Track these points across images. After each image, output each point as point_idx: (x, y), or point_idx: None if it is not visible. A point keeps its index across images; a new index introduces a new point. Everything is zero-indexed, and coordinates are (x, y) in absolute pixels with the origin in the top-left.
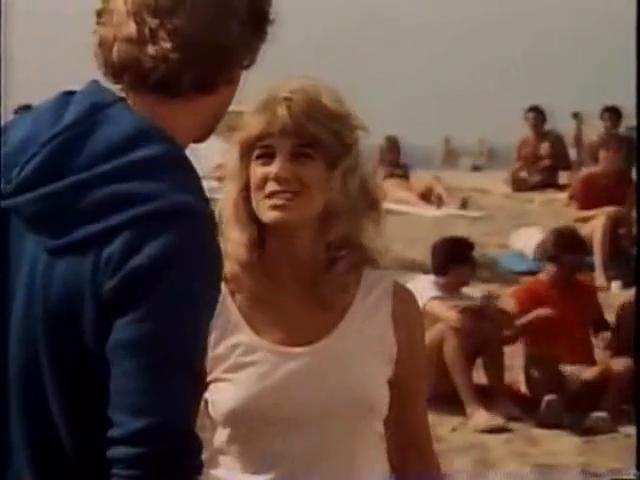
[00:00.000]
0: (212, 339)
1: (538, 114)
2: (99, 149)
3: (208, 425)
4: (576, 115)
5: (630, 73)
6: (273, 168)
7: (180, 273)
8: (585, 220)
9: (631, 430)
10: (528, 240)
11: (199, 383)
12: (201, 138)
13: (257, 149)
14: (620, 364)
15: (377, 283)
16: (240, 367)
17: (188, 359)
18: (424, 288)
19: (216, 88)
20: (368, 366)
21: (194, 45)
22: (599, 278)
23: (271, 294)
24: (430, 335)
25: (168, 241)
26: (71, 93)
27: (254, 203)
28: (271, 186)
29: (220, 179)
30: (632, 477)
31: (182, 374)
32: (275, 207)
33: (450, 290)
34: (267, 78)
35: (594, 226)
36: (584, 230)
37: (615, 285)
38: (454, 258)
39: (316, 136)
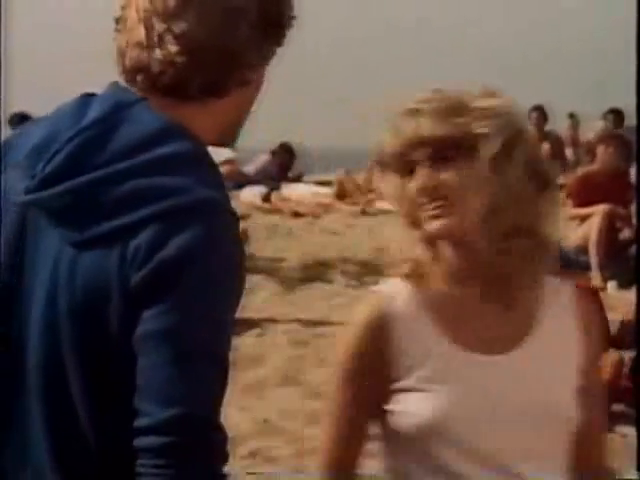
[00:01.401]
0: (401, 346)
1: (541, 114)
2: (123, 145)
3: (382, 436)
4: (572, 116)
5: (630, 73)
6: (417, 181)
7: (206, 265)
8: (579, 217)
9: (627, 430)
10: None
11: (224, 375)
12: (224, 140)
13: (396, 165)
14: (609, 361)
15: (559, 290)
16: (437, 377)
17: (214, 350)
18: None
19: (228, 91)
20: (560, 375)
21: (201, 49)
22: (595, 278)
23: (453, 296)
24: None
25: (194, 234)
26: (91, 95)
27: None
28: (420, 199)
29: None
30: (632, 477)
31: (208, 365)
32: (433, 217)
33: None
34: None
35: (589, 225)
36: (580, 230)
37: (611, 285)
38: None
39: (449, 137)
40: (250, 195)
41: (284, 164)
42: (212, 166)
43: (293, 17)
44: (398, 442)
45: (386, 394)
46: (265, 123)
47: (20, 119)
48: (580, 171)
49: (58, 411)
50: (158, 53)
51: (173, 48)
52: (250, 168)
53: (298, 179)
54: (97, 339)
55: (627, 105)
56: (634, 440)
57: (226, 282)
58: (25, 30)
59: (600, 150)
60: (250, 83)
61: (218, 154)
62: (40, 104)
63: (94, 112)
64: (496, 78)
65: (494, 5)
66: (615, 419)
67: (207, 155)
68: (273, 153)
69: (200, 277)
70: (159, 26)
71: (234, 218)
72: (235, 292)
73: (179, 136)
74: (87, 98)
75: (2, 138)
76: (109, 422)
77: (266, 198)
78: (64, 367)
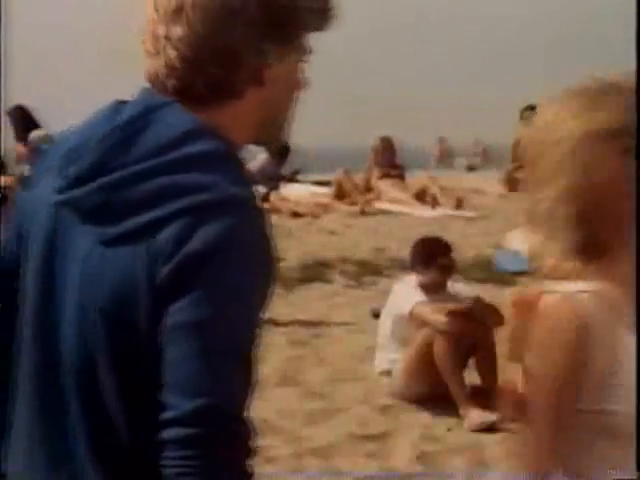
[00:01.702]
0: (601, 344)
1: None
2: (152, 144)
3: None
4: None
5: (630, 73)
6: None
7: (233, 259)
8: None
9: None
10: (524, 240)
11: (250, 368)
12: (261, 139)
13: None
14: None
15: None
16: (631, 372)
17: (239, 344)
18: (411, 291)
19: (240, 92)
20: None
21: (196, 52)
22: None
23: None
24: (419, 338)
25: (221, 228)
26: (124, 102)
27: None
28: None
29: None
30: (632, 477)
31: (233, 359)
32: None
33: (431, 290)
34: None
35: None
36: None
37: None
38: (425, 258)
39: None
40: None
41: (277, 160)
42: (238, 164)
43: (306, 17)
44: (588, 442)
45: (590, 392)
46: None
47: (19, 112)
48: None
49: (94, 409)
50: (162, 60)
51: (172, 53)
52: (250, 168)
53: (294, 177)
54: (127, 336)
55: None
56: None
57: (252, 275)
58: (25, 28)
59: None
60: (264, 82)
61: None
62: (40, 101)
63: (124, 115)
64: (492, 78)
65: (491, 5)
66: None
67: (233, 154)
68: (269, 150)
69: (226, 270)
70: (160, 33)
71: (260, 213)
72: (261, 286)
73: (206, 135)
74: (120, 104)
75: (2, 136)
76: (141, 418)
77: (265, 198)
78: (96, 362)
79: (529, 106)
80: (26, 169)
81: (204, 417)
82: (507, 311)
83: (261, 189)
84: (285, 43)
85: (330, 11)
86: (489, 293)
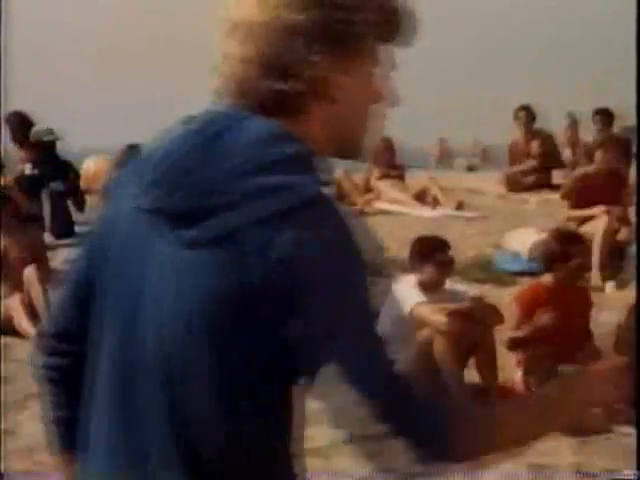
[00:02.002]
0: None
1: (528, 113)
2: (236, 149)
3: None
4: (570, 115)
5: (630, 73)
6: None
7: (333, 253)
8: (578, 219)
9: (626, 430)
10: (524, 241)
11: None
12: (340, 154)
13: None
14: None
15: None
16: None
17: (371, 324)
18: (410, 291)
19: (302, 105)
20: None
21: (257, 67)
22: (594, 278)
23: None
24: (419, 338)
25: (313, 227)
26: (195, 117)
27: None
28: None
29: None
30: (632, 477)
31: (377, 340)
32: None
33: (430, 288)
34: None
35: (594, 226)
36: (581, 230)
37: (609, 286)
38: (422, 255)
39: None
40: None
41: None
42: (318, 167)
43: (365, 30)
44: None
45: None
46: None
47: (18, 117)
48: (577, 172)
49: (178, 413)
50: (229, 76)
51: (237, 70)
52: None
53: None
54: (220, 338)
55: (627, 104)
56: (634, 440)
57: (353, 262)
58: (25, 27)
59: (598, 155)
60: (330, 96)
61: None
62: (39, 102)
63: (202, 125)
64: (491, 78)
65: (489, 4)
66: (615, 419)
67: (314, 157)
68: None
69: (330, 265)
70: (227, 50)
71: (344, 211)
72: (363, 272)
73: (288, 139)
74: (192, 117)
75: (2, 137)
76: (226, 419)
77: None
78: (185, 366)
79: (522, 106)
80: (27, 168)
81: (393, 392)
82: (507, 311)
83: None
84: (345, 56)
85: (396, 23)
86: (489, 293)
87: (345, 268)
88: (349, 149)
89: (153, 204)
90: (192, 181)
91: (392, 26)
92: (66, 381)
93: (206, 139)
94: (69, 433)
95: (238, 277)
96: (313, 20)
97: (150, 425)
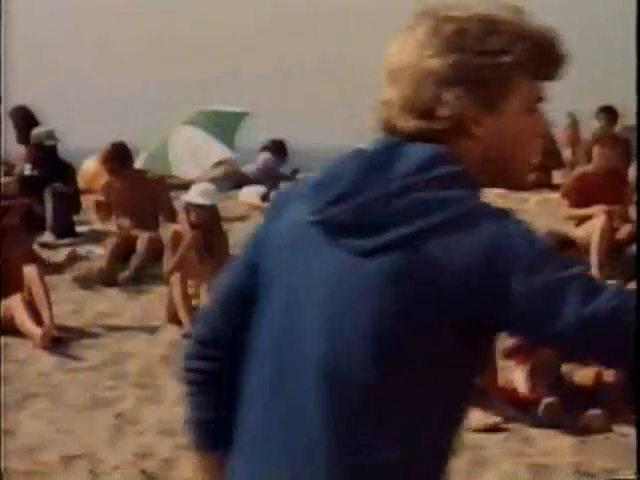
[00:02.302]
0: None
1: None
2: (403, 168)
3: None
4: (570, 114)
5: (630, 73)
6: None
7: (518, 237)
8: (577, 218)
9: (626, 430)
10: None
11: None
12: (492, 185)
13: None
14: None
15: None
16: None
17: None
18: None
19: (444, 141)
20: None
21: (401, 109)
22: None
23: None
24: None
25: (480, 236)
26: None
27: None
28: None
29: (214, 180)
30: (632, 477)
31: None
32: None
33: None
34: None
35: (593, 225)
36: (581, 229)
37: None
38: None
39: None
40: (249, 195)
41: (277, 159)
42: (475, 185)
43: (507, 72)
44: None
45: None
46: (265, 123)
47: (22, 112)
48: (577, 171)
49: (339, 416)
50: (384, 117)
51: (387, 112)
52: (251, 167)
53: (294, 176)
54: (390, 345)
55: (628, 105)
56: (634, 440)
57: (532, 243)
58: (25, 24)
59: (595, 151)
60: (473, 134)
61: (212, 154)
62: (41, 97)
63: (371, 150)
64: None
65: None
66: (615, 419)
67: (470, 176)
68: (264, 148)
69: (515, 262)
70: (383, 95)
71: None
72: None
73: (450, 161)
74: (361, 148)
75: (2, 133)
76: (401, 433)
77: (265, 197)
78: (354, 371)
79: None
80: (26, 168)
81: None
82: None
83: (261, 189)
84: (487, 97)
85: (550, 60)
86: None
87: (527, 247)
88: (510, 181)
89: (325, 216)
90: (362, 197)
91: (546, 63)
92: (211, 384)
93: (375, 163)
94: (211, 433)
95: (424, 279)
96: (451, 65)
97: (311, 427)
